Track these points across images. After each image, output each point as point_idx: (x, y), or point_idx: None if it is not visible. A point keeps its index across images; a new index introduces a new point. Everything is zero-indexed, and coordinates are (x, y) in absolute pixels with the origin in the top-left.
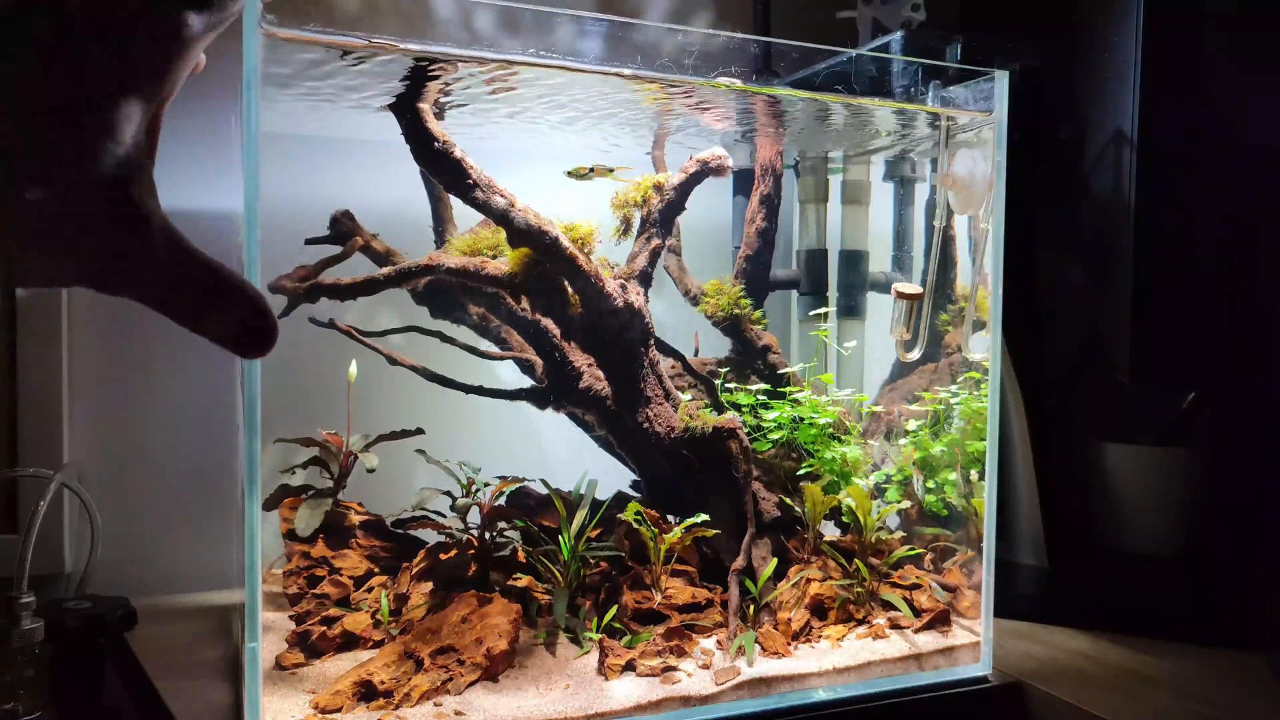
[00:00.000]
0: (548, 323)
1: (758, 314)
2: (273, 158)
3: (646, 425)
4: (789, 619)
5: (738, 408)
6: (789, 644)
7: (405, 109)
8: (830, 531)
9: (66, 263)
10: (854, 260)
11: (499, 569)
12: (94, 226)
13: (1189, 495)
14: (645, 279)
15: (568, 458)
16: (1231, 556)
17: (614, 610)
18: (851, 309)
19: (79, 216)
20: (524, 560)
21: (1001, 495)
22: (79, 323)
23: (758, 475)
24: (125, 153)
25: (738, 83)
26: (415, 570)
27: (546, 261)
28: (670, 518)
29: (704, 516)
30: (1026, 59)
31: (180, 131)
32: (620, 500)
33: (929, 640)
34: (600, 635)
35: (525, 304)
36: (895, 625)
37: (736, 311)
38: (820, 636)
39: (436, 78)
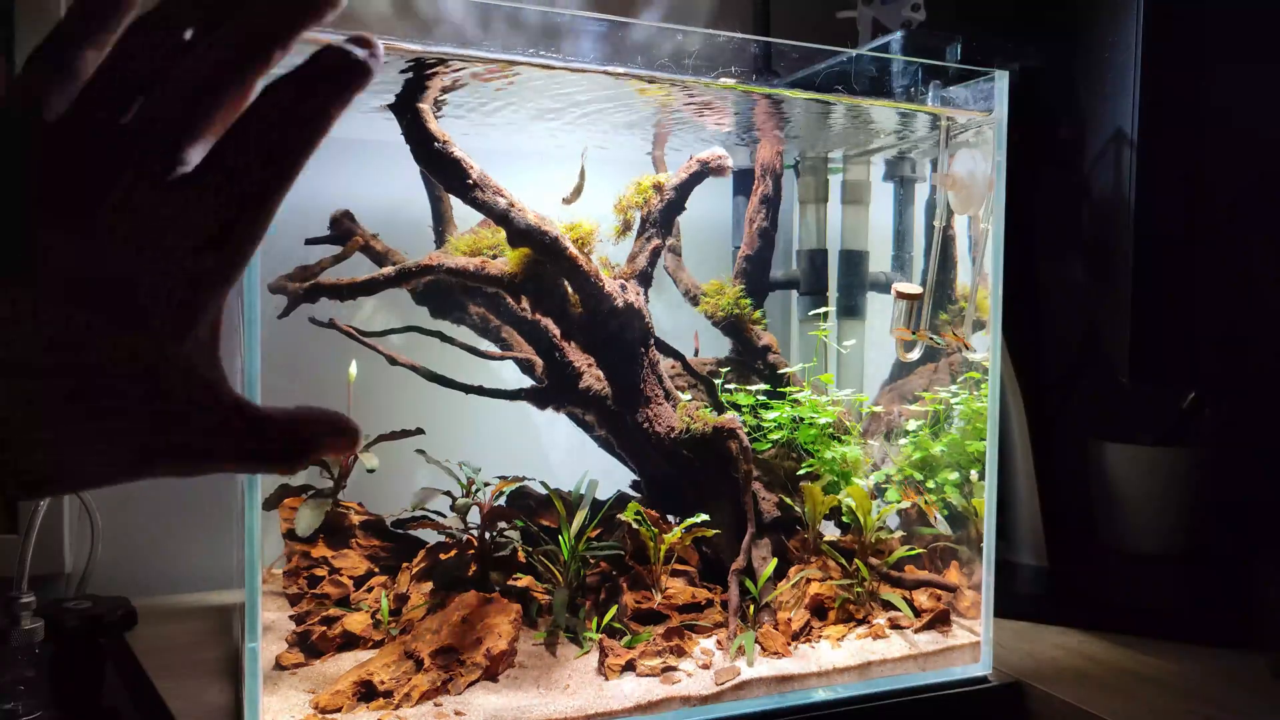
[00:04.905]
0: (548, 323)
1: (758, 314)
2: None
3: (646, 425)
4: (789, 619)
5: (738, 408)
6: (789, 644)
7: (405, 109)
8: (830, 531)
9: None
10: (854, 260)
11: (499, 569)
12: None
13: (1189, 495)
14: (645, 279)
15: (568, 458)
16: (1231, 556)
17: (614, 610)
18: (851, 309)
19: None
20: (524, 560)
21: (1001, 495)
22: None
23: (758, 475)
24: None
25: (738, 83)
26: (415, 570)
27: (546, 261)
28: (670, 518)
29: (704, 516)
30: (1026, 59)
31: None
32: (620, 500)
33: (929, 640)
34: (600, 635)
35: (525, 304)
36: (895, 625)
37: (736, 311)
38: (820, 636)
39: (436, 77)
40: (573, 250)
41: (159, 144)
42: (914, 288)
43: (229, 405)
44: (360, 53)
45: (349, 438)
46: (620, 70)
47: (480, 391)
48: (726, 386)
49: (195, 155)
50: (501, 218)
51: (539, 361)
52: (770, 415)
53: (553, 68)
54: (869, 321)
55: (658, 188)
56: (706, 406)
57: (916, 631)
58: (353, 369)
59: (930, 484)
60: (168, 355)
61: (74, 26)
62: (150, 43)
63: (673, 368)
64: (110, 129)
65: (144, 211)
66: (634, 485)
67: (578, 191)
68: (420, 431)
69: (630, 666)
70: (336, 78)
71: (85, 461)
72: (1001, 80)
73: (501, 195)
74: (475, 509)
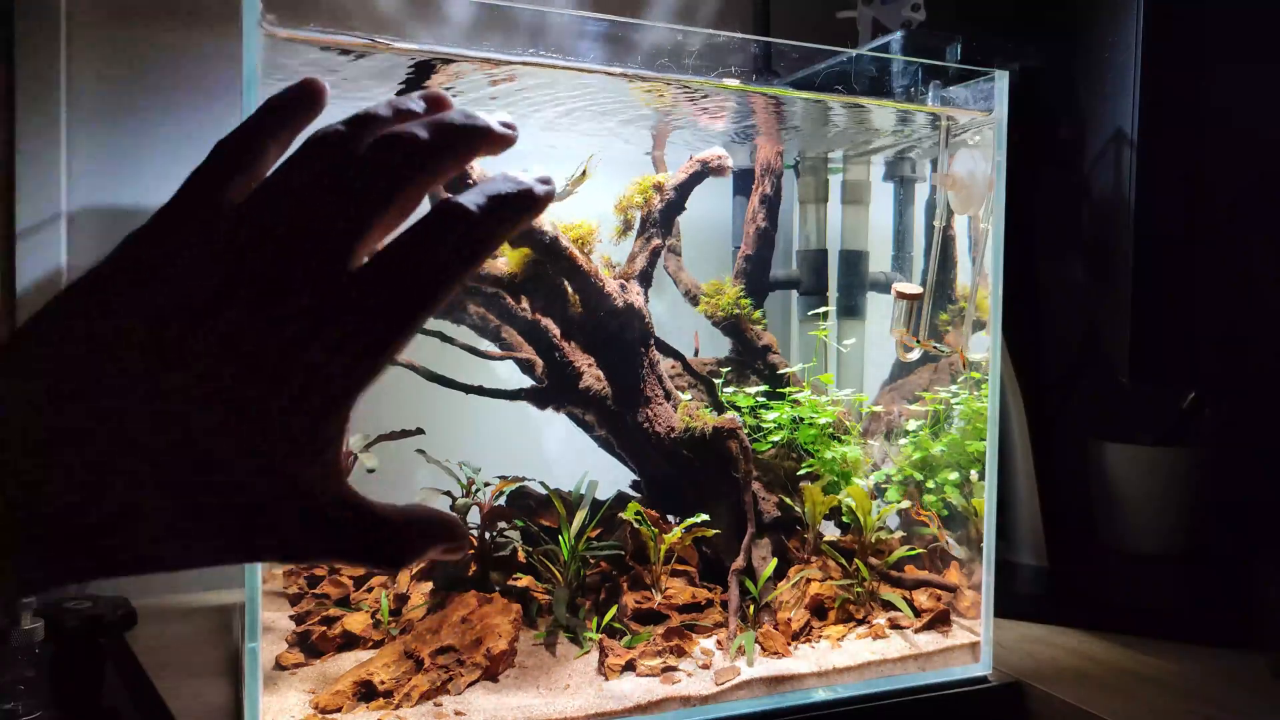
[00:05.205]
0: (548, 322)
1: (758, 314)
2: None
3: (646, 425)
4: (789, 619)
5: (738, 408)
6: (789, 644)
7: None
8: (830, 531)
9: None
10: (854, 260)
11: (499, 569)
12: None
13: (1189, 495)
14: (645, 279)
15: (568, 458)
16: (1231, 556)
17: (614, 610)
18: (851, 309)
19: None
20: (524, 560)
21: (1001, 495)
22: None
23: (758, 475)
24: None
25: (738, 83)
26: (415, 570)
27: (546, 261)
28: (670, 518)
29: (704, 516)
30: (1026, 59)
31: (181, 131)
32: (620, 500)
33: (929, 640)
34: (600, 635)
35: (525, 303)
36: (895, 625)
37: (736, 311)
38: (820, 636)
39: (436, 77)
40: (573, 250)
41: (328, 244)
42: (914, 288)
43: (345, 503)
44: (540, 189)
45: (458, 545)
46: (620, 70)
47: (480, 391)
48: (725, 389)
49: (358, 259)
50: None
51: (539, 361)
52: (770, 415)
53: (553, 67)
54: (869, 321)
55: (658, 188)
56: (706, 406)
57: (916, 631)
58: None
59: (930, 484)
60: (297, 456)
61: (260, 123)
62: (329, 154)
63: (673, 368)
64: (283, 226)
65: (304, 313)
66: (634, 485)
67: (567, 192)
68: (420, 431)
69: (630, 666)
70: (516, 206)
71: (198, 549)
72: (1001, 80)
73: None
74: (475, 509)
